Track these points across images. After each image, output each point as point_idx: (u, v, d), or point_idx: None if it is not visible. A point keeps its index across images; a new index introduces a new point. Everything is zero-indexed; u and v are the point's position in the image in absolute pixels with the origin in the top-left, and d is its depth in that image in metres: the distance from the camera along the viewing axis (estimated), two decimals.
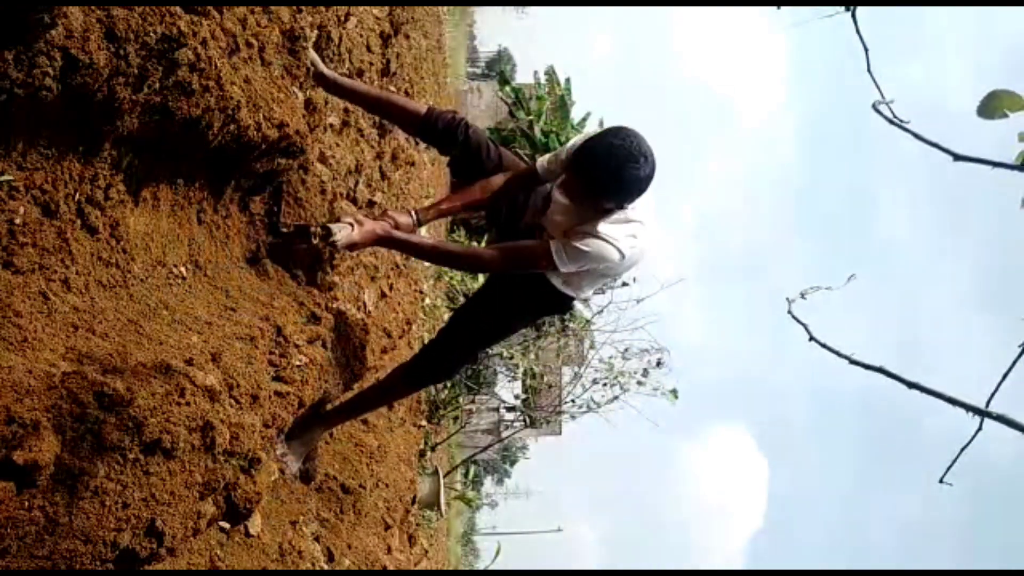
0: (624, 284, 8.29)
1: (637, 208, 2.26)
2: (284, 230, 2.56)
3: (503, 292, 2.67)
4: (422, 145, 6.64)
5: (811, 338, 1.30)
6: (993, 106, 0.91)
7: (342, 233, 2.25)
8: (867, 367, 1.13)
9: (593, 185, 2.17)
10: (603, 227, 2.21)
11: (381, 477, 3.88)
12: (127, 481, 1.38)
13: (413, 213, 2.43)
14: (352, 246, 2.30)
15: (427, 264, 6.95)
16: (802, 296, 1.57)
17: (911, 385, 1.05)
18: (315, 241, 2.28)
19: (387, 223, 2.33)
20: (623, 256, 2.24)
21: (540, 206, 2.53)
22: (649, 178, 2.15)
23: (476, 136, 2.61)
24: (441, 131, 2.62)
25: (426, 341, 5.08)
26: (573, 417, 8.30)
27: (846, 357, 1.16)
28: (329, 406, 2.84)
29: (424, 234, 2.54)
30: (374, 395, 3.02)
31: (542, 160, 2.45)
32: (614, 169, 2.10)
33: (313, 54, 2.58)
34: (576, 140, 2.36)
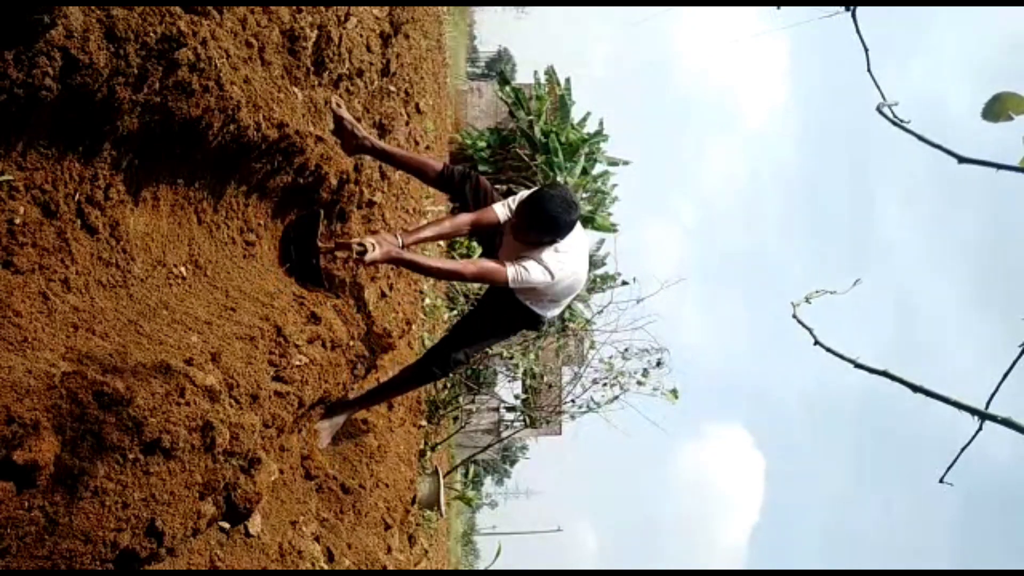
0: (624, 283, 8.27)
1: (566, 242, 3.00)
2: (322, 244, 3.02)
3: (488, 310, 3.46)
4: (422, 145, 6.66)
5: (816, 342, 1.30)
6: (998, 108, 0.91)
7: (371, 251, 2.75)
8: (872, 371, 1.12)
9: (534, 227, 2.91)
10: (539, 254, 2.97)
11: (381, 477, 3.87)
12: (127, 481, 1.38)
13: (399, 236, 2.95)
14: (374, 262, 2.84)
15: None
16: (807, 300, 1.57)
17: (916, 389, 1.04)
18: (353, 254, 2.72)
19: (396, 243, 2.88)
20: (553, 275, 2.99)
21: (499, 242, 3.27)
22: (574, 220, 2.95)
23: (485, 185, 3.30)
24: (459, 182, 3.29)
25: (426, 341, 5.50)
26: (573, 417, 8.28)
27: (851, 361, 1.16)
28: (352, 395, 3.43)
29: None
30: (387, 389, 3.72)
31: (502, 210, 3.11)
32: (548, 215, 2.86)
33: (346, 115, 3.16)
34: (522, 195, 3.08)
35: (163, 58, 1.62)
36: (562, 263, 3.00)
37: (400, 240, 2.90)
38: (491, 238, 3.33)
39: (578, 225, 3.05)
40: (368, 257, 2.74)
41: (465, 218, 3.11)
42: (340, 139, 3.17)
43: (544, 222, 2.87)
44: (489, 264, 3.05)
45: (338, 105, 3.14)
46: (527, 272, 2.95)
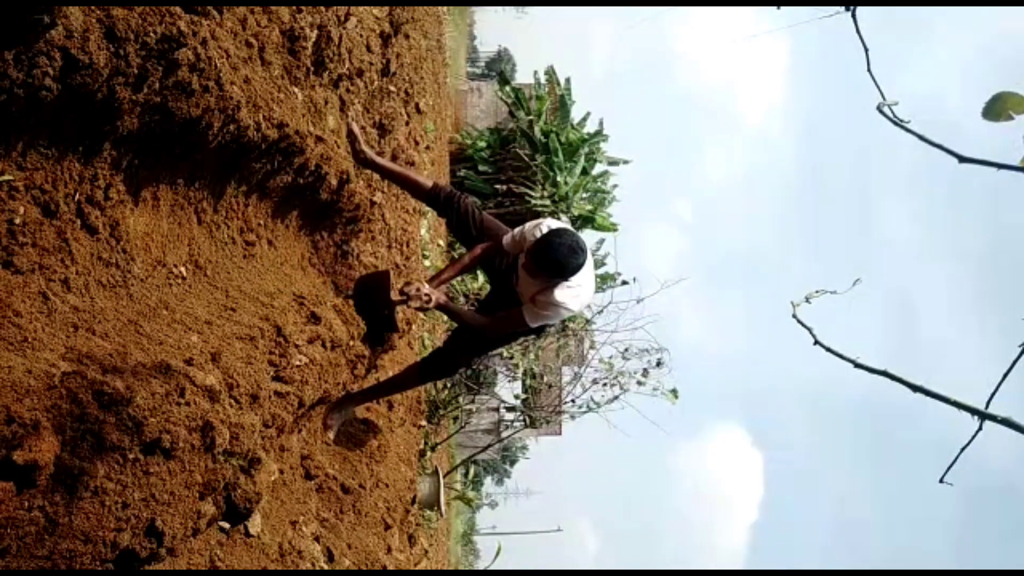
0: (624, 283, 8.26)
1: (576, 277, 3.26)
2: (388, 312, 3.49)
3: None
4: (422, 145, 6.66)
5: (816, 342, 1.30)
6: (998, 108, 0.91)
7: (431, 302, 3.22)
8: (872, 371, 1.12)
9: (546, 271, 3.18)
10: (556, 293, 3.24)
11: (381, 477, 3.87)
12: (127, 481, 1.37)
13: (433, 287, 3.41)
14: (423, 310, 3.32)
15: (426, 265, 7.14)
16: (807, 300, 1.57)
17: (915, 388, 1.04)
18: (421, 304, 3.21)
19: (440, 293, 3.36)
20: (571, 309, 3.34)
21: (515, 278, 3.56)
22: (582, 264, 3.21)
23: (466, 206, 3.61)
24: (443, 201, 3.59)
25: (426, 341, 5.60)
26: (573, 417, 8.28)
27: (851, 361, 1.16)
28: (355, 388, 3.64)
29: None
30: (392, 384, 3.98)
31: (506, 239, 3.44)
32: (559, 260, 3.13)
33: (356, 130, 3.41)
34: (527, 231, 3.35)
35: (163, 58, 1.62)
36: (577, 296, 3.31)
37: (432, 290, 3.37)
38: (495, 276, 3.69)
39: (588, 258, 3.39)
40: (432, 304, 3.25)
41: (476, 250, 3.55)
42: (350, 147, 3.41)
43: (553, 268, 3.17)
44: (505, 316, 3.50)
45: (361, 128, 3.46)
46: (546, 314, 3.32)
